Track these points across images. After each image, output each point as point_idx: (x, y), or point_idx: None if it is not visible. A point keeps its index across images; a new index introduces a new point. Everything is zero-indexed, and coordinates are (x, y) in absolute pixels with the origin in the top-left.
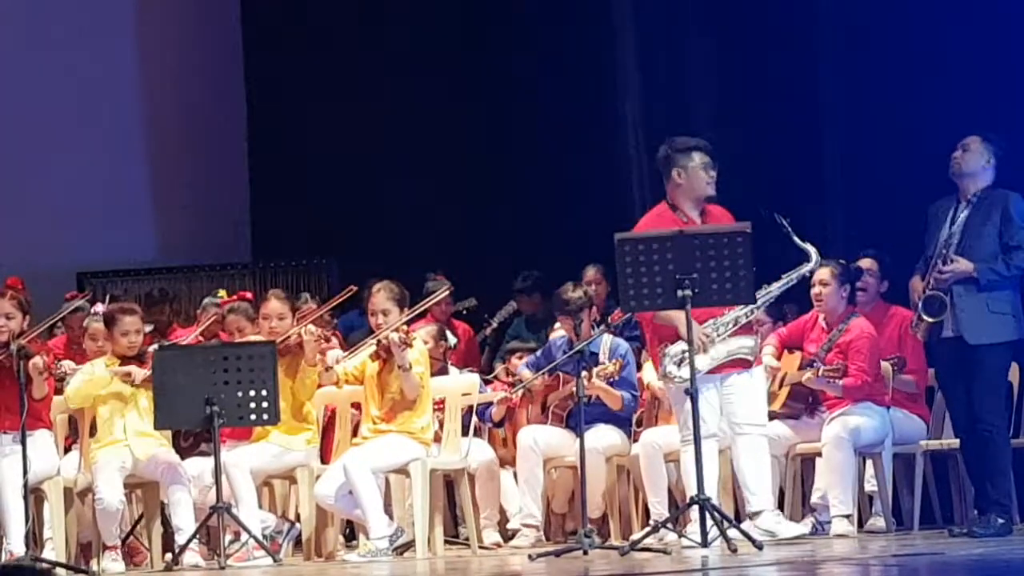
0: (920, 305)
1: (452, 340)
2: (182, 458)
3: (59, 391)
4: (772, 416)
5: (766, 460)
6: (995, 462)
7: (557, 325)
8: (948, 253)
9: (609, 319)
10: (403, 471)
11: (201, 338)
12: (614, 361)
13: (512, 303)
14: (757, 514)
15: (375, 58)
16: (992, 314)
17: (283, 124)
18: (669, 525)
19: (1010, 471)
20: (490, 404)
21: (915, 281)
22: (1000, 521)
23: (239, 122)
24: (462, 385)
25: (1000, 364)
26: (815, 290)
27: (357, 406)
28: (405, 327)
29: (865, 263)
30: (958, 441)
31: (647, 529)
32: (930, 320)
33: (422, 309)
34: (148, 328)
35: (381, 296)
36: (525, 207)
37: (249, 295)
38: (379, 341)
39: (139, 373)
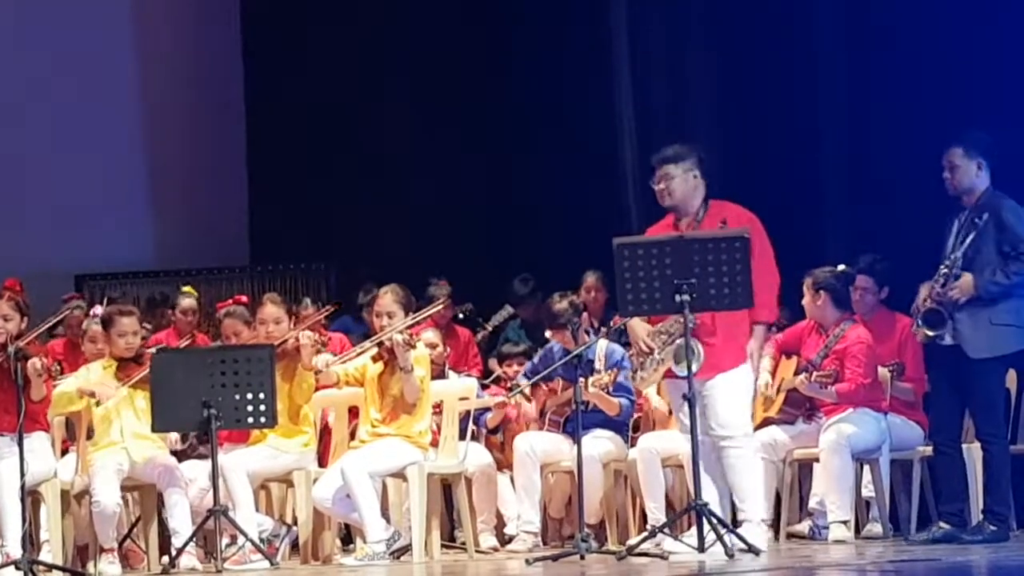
0: (920, 318)
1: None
2: (179, 461)
3: None
4: (769, 421)
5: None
6: (995, 471)
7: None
8: (952, 272)
9: (611, 323)
10: (400, 475)
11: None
12: (609, 372)
13: (508, 307)
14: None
15: (374, 62)
16: (994, 326)
17: (282, 128)
18: (666, 530)
19: (1009, 479)
20: (487, 410)
21: (924, 287)
22: (992, 528)
23: (238, 126)
24: (460, 389)
25: (999, 377)
26: (805, 299)
27: (354, 411)
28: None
29: (859, 281)
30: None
31: (644, 534)
32: (930, 333)
33: (426, 315)
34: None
35: (388, 299)
36: (523, 213)
37: (245, 299)
38: (382, 342)
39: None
